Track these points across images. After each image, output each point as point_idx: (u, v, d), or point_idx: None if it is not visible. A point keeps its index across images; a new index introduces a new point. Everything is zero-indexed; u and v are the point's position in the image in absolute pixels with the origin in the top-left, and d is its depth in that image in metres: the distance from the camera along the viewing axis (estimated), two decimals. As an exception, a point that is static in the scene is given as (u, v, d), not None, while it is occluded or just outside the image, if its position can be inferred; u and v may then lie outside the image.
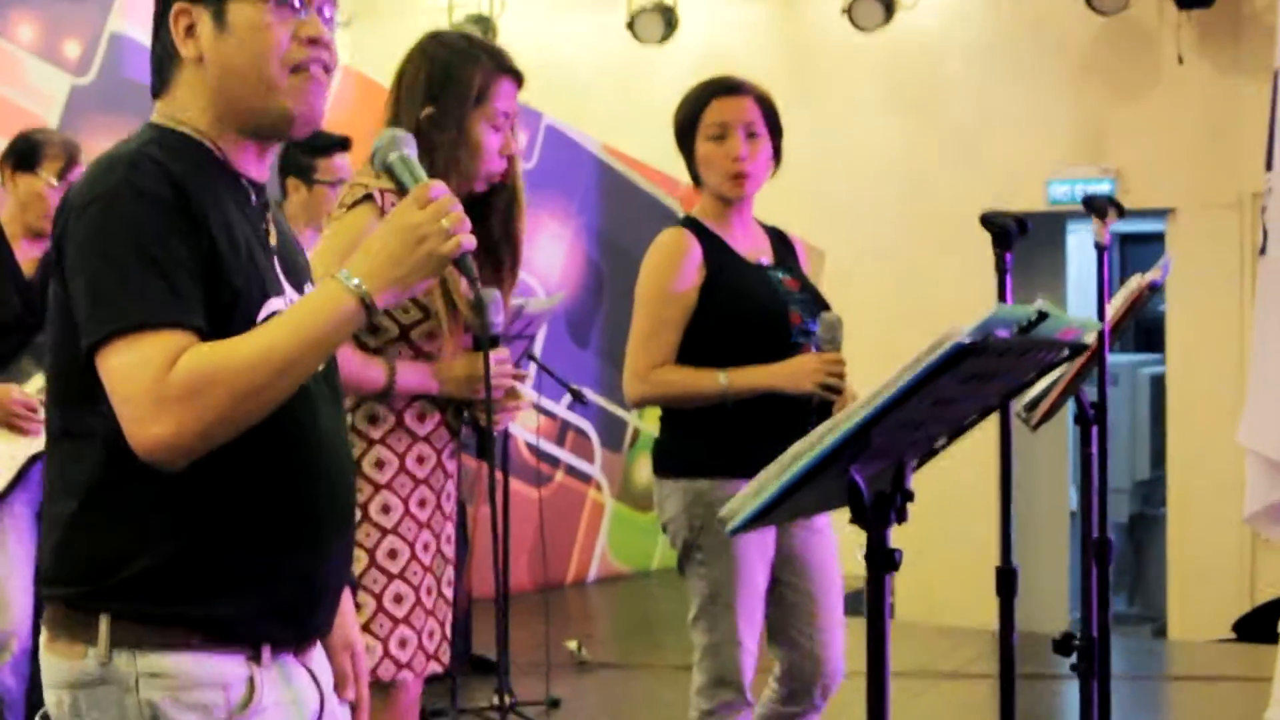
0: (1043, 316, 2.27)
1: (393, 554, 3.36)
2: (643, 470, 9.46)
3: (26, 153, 4.93)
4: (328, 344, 2.25)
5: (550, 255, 9.44)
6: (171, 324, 2.17)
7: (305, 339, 2.21)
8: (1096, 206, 3.54)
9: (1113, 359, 13.07)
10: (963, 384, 2.29)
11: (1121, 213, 3.56)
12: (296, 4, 2.35)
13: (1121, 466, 12.56)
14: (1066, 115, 10.55)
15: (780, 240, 4.43)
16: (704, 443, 4.13)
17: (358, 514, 3.27)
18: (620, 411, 9.48)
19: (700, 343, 4.17)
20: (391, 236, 2.27)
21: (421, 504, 3.40)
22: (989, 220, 3.42)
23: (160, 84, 2.41)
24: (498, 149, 3.43)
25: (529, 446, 8.94)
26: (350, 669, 2.65)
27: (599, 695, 7.06)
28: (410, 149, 2.44)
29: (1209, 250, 10.18)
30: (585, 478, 9.71)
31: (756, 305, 4.16)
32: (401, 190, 2.40)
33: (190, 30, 2.34)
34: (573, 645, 7.43)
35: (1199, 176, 10.23)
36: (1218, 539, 9.70)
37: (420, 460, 3.40)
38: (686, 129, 4.29)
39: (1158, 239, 10.91)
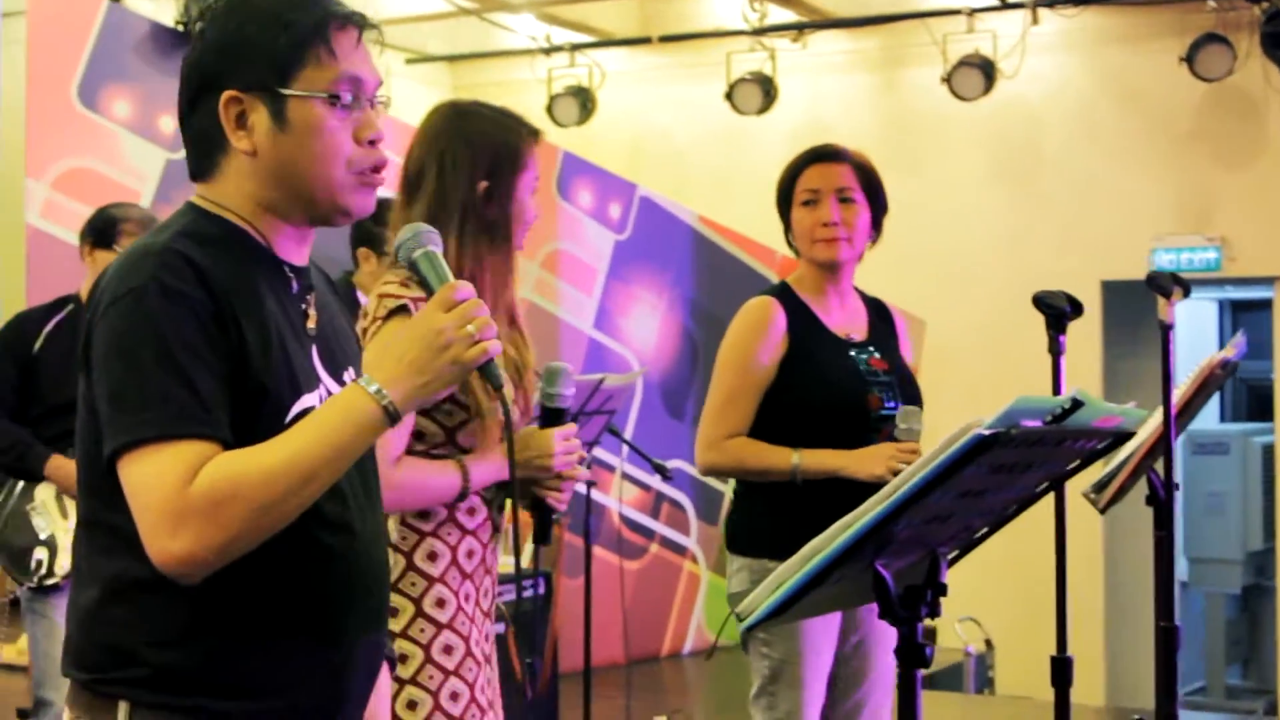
0: (1077, 405, 2.21)
1: (448, 649, 3.31)
2: (739, 542, 9.39)
3: (104, 228, 4.99)
4: (350, 453, 2.21)
5: (645, 327, 9.43)
6: (194, 435, 2.13)
7: (328, 450, 2.17)
8: (1160, 285, 3.46)
9: (1224, 428, 12.93)
10: (992, 474, 2.24)
11: (1186, 291, 3.47)
12: (350, 99, 2.33)
13: (1234, 537, 12.33)
14: (1171, 183, 10.42)
15: (879, 314, 4.37)
16: (772, 521, 4.09)
17: (411, 608, 3.24)
18: (716, 483, 9.43)
19: (776, 417, 4.12)
20: (415, 343, 2.22)
21: (466, 598, 3.35)
22: (1041, 301, 3.35)
23: (203, 168, 2.35)
24: (534, 214, 3.39)
25: (622, 518, 8.92)
26: None
27: (687, 772, 6.98)
28: (436, 245, 2.40)
29: (1317, 318, 10.01)
30: (680, 549, 9.66)
31: (835, 386, 4.11)
32: (425, 288, 2.37)
33: (241, 120, 2.29)
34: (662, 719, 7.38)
35: (1306, 243, 10.07)
36: (1329, 614, 9.47)
37: (469, 555, 3.36)
38: (783, 196, 4.27)
39: (1266, 305, 10.73)
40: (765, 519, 4.13)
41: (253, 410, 2.21)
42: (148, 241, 2.26)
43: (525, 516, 3.41)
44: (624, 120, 11.69)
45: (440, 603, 3.26)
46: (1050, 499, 3.50)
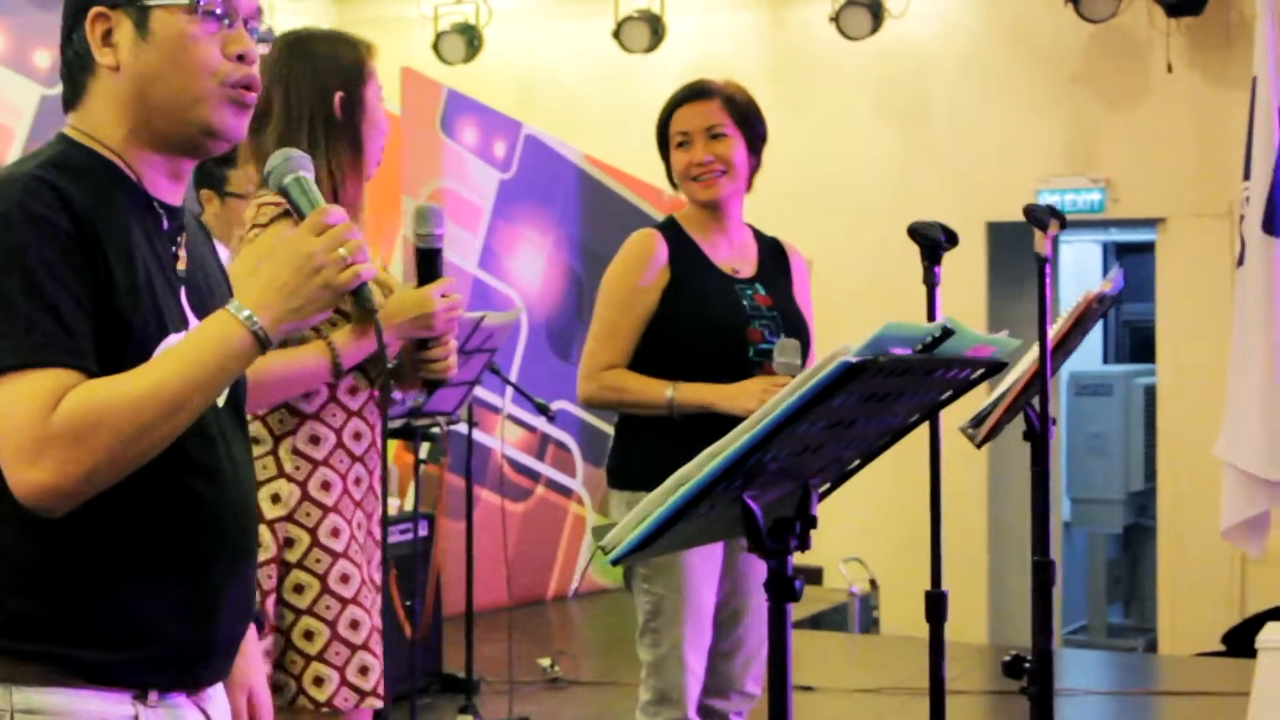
0: (947, 333, 2.17)
1: (345, 578, 3.23)
2: (626, 483, 9.37)
3: None
4: (220, 380, 2.13)
5: (530, 266, 9.36)
6: (57, 363, 2.05)
7: (195, 376, 2.09)
8: (1037, 217, 3.43)
9: (1106, 369, 13.03)
10: (862, 404, 2.20)
11: (1063, 223, 3.45)
12: (221, 14, 2.25)
13: (1116, 477, 12.47)
14: (1056, 125, 10.45)
15: (773, 252, 4.35)
16: (649, 456, 4.06)
17: (308, 539, 3.18)
18: (604, 425, 9.40)
19: (656, 350, 4.10)
20: (285, 266, 2.16)
21: (357, 482, 3.30)
22: (916, 232, 3.32)
23: (72, 94, 2.27)
24: (386, 123, 3.42)
25: (507, 460, 8.86)
26: (246, 710, 2.56)
27: (570, 713, 6.96)
28: (308, 170, 2.34)
29: (1199, 260, 10.07)
30: (566, 491, 9.62)
31: (714, 317, 4.09)
32: (297, 212, 2.30)
33: (108, 37, 2.21)
34: (545, 663, 7.34)
35: (1189, 186, 10.13)
36: (1208, 551, 9.57)
37: (357, 436, 3.29)
38: (660, 139, 4.26)
39: (1150, 248, 10.81)
40: (642, 453, 4.10)
41: (117, 346, 2.12)
42: (11, 170, 2.17)
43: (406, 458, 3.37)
44: (511, 58, 11.57)
45: (335, 532, 3.21)
46: (929, 436, 3.49)
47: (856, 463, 2.47)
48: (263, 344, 2.14)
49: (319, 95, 3.29)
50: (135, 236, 2.19)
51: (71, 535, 2.12)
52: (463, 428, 6.76)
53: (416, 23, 11.38)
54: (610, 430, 4.51)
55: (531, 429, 9.28)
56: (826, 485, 2.46)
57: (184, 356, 2.11)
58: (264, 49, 2.32)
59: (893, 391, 2.25)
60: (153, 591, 2.19)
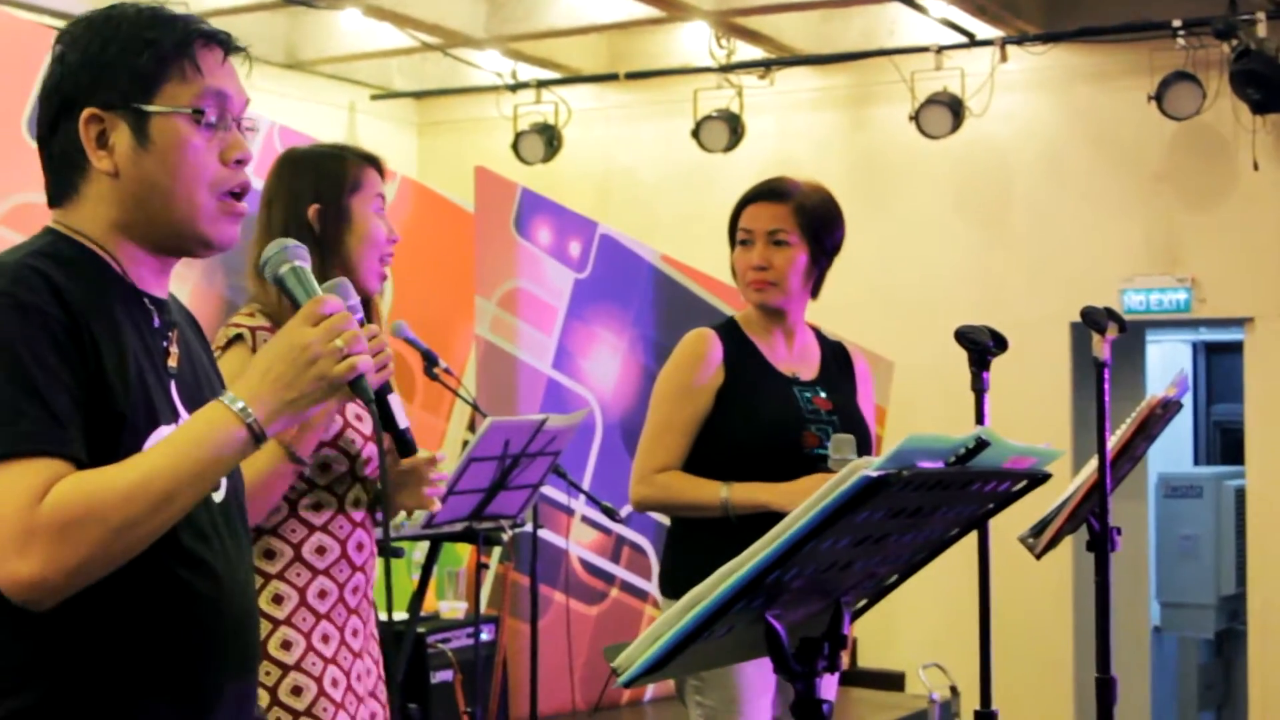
0: (982, 445, 2.08)
1: (296, 691, 3.22)
2: (702, 586, 9.24)
3: None
4: (211, 474, 2.09)
5: (605, 367, 9.29)
6: (46, 453, 2.01)
7: (187, 469, 2.05)
8: (1094, 320, 3.33)
9: (1197, 471, 12.81)
10: (891, 519, 2.10)
11: (1123, 327, 3.35)
12: (216, 120, 2.22)
13: (1207, 581, 12.21)
14: (1140, 223, 10.30)
15: (836, 357, 4.25)
16: (705, 561, 3.94)
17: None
18: (679, 525, 9.28)
19: (710, 451, 4.02)
20: (280, 357, 2.12)
21: (321, 595, 3.26)
22: (963, 337, 3.22)
23: (60, 191, 2.24)
24: (386, 235, 3.38)
25: (581, 562, 8.76)
26: None
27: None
28: (304, 260, 2.29)
29: (1289, 359, 9.89)
30: (641, 594, 9.50)
31: (768, 419, 4.00)
32: (292, 302, 2.25)
33: (103, 139, 2.19)
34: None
35: (1278, 284, 9.95)
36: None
37: (321, 595, 3.27)
38: (730, 234, 4.19)
39: (1239, 348, 10.62)
40: (697, 558, 3.98)
41: (108, 438, 2.08)
42: (0, 259, 2.13)
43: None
44: (590, 158, 11.58)
45: (286, 645, 3.20)
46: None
47: (894, 579, 2.38)
48: (257, 437, 2.09)
49: (294, 207, 3.30)
50: (126, 330, 2.16)
51: (64, 633, 2.07)
52: (528, 527, 6.68)
53: (496, 123, 11.41)
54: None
55: (606, 531, 9.18)
56: (863, 602, 2.36)
57: (175, 449, 2.07)
58: (250, 137, 2.29)
59: (925, 506, 2.15)
60: (148, 687, 2.13)
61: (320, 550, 3.25)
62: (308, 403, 2.13)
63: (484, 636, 6.31)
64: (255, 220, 3.37)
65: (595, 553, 9.16)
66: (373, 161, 3.39)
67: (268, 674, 3.16)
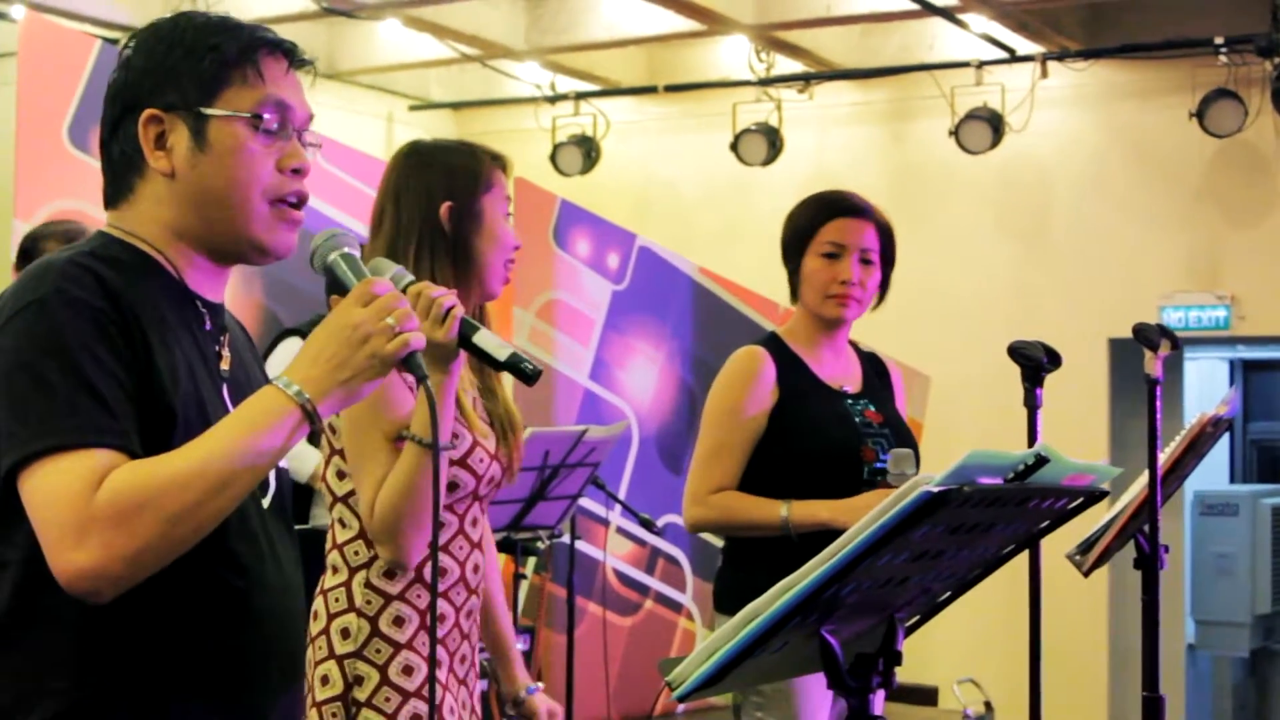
0: (1041, 461, 2.07)
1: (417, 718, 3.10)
2: (737, 599, 9.22)
3: (28, 247, 4.84)
4: (267, 458, 2.07)
5: (643, 379, 9.29)
6: (99, 444, 2.00)
7: (242, 452, 2.03)
8: (1147, 337, 3.31)
9: (1233, 489, 12.75)
10: (949, 535, 2.09)
11: (1175, 344, 3.33)
12: (276, 128, 2.22)
13: (1242, 600, 12.13)
14: (1180, 240, 10.26)
15: (874, 368, 4.22)
16: (766, 579, 3.93)
17: (377, 676, 3.05)
18: (714, 539, 9.27)
19: (766, 470, 3.97)
20: (332, 337, 2.11)
21: (439, 618, 3.11)
22: (1017, 352, 3.20)
23: (116, 191, 2.25)
24: (512, 240, 3.22)
25: (616, 573, 8.76)
26: None
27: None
28: (352, 247, 2.27)
29: (1329, 379, 9.84)
30: (676, 606, 9.49)
31: (828, 437, 3.96)
32: (341, 289, 2.24)
33: (161, 141, 2.19)
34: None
35: (1318, 302, 9.91)
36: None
37: (441, 572, 3.14)
38: (797, 242, 4.10)
39: (1278, 365, 10.57)
40: (754, 576, 3.94)
41: (160, 431, 2.07)
42: (49, 258, 2.14)
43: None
44: (628, 170, 11.59)
45: (407, 670, 3.06)
46: (1029, 565, 3.35)
47: (947, 595, 2.36)
48: (311, 418, 2.07)
49: (426, 205, 3.15)
50: (177, 329, 2.16)
51: (112, 634, 2.06)
52: (565, 538, 6.68)
53: (534, 135, 11.44)
54: (719, 543, 4.39)
55: (641, 542, 9.17)
56: (915, 618, 2.35)
57: (230, 433, 2.06)
58: (313, 154, 2.28)
59: (983, 522, 2.14)
60: (194, 690, 2.13)
61: (441, 571, 3.11)
62: (361, 380, 2.11)
63: (519, 647, 6.30)
64: (373, 218, 3.24)
65: (630, 564, 9.15)
66: (501, 162, 3.25)
67: (387, 700, 3.04)
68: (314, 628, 3.10)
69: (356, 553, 3.10)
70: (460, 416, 3.08)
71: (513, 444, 3.23)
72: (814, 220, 4.08)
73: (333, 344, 2.10)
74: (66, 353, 2.03)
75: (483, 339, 2.65)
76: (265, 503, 2.26)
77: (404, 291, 2.62)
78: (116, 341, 2.06)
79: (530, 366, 2.57)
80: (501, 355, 2.60)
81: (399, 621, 3.07)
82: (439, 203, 3.15)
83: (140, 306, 2.11)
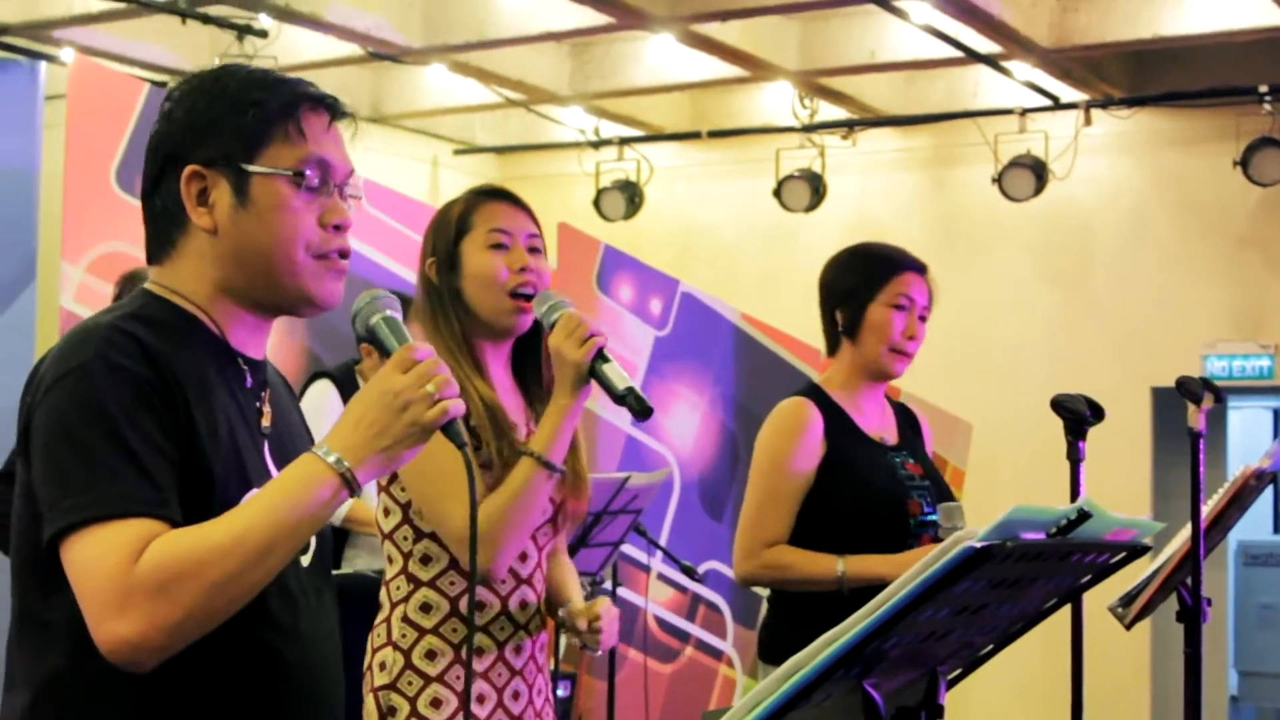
0: (1084, 516, 2.07)
1: None
2: (777, 646, 9.19)
3: (125, 288, 4.88)
4: (307, 526, 2.08)
5: (685, 425, 9.29)
6: (141, 513, 2.02)
7: (282, 521, 2.04)
8: (1190, 390, 3.31)
9: (1277, 539, 12.62)
10: (991, 589, 2.10)
11: (1218, 397, 3.32)
12: (318, 184, 2.24)
13: (1286, 652, 12.07)
14: (1223, 289, 10.23)
15: (907, 419, 4.23)
16: (812, 630, 3.92)
17: (407, 708, 3.09)
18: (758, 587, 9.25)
19: (813, 523, 3.96)
20: (372, 405, 2.11)
21: (478, 652, 3.15)
22: (1060, 405, 3.20)
23: (159, 248, 2.26)
24: (504, 267, 3.22)
25: (656, 620, 8.74)
26: None
27: None
28: (394, 310, 2.30)
29: (1374, 430, 9.78)
30: (716, 653, 9.47)
31: (875, 490, 3.96)
32: (383, 352, 2.26)
33: (203, 197, 2.20)
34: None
35: (1361, 352, 9.86)
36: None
37: (479, 700, 3.15)
38: (861, 290, 4.08)
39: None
40: (808, 629, 3.95)
41: (201, 497, 2.09)
42: (90, 322, 2.16)
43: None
44: (671, 215, 11.62)
45: (436, 703, 3.09)
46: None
47: (989, 649, 2.37)
48: (350, 487, 2.08)
49: (422, 267, 3.28)
50: (217, 389, 2.17)
51: (157, 696, 2.08)
52: (608, 585, 6.68)
53: (578, 179, 11.48)
54: (763, 593, 4.38)
55: (682, 589, 9.16)
56: (957, 671, 2.35)
57: (270, 502, 2.07)
58: (352, 207, 2.29)
59: (1025, 576, 2.14)
60: None
61: (480, 605, 3.14)
62: (401, 448, 2.12)
63: (560, 693, 6.29)
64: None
65: (671, 611, 9.13)
66: (489, 195, 3.30)
67: None
68: (365, 661, 3.17)
69: (398, 588, 3.16)
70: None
71: (570, 490, 3.27)
72: (886, 270, 4.06)
73: (373, 410, 2.11)
74: (109, 421, 2.04)
75: (609, 369, 2.94)
76: (305, 560, 2.27)
77: (556, 321, 2.95)
78: (158, 408, 2.07)
79: (645, 403, 2.70)
80: (620, 386, 2.87)
81: (431, 655, 3.12)
82: (427, 258, 3.27)
83: (181, 369, 2.12)
